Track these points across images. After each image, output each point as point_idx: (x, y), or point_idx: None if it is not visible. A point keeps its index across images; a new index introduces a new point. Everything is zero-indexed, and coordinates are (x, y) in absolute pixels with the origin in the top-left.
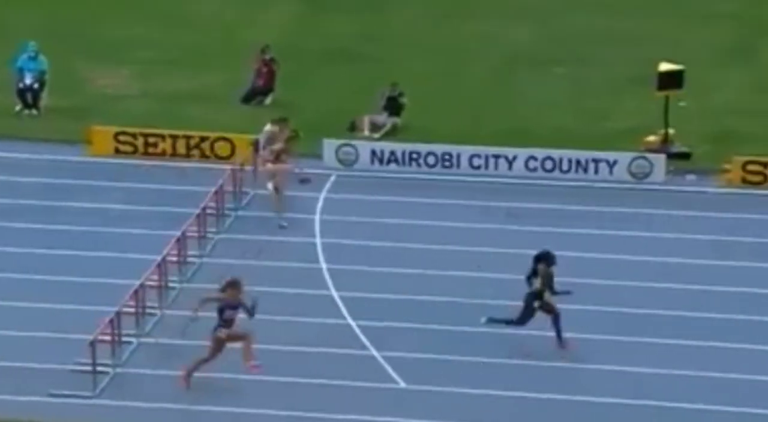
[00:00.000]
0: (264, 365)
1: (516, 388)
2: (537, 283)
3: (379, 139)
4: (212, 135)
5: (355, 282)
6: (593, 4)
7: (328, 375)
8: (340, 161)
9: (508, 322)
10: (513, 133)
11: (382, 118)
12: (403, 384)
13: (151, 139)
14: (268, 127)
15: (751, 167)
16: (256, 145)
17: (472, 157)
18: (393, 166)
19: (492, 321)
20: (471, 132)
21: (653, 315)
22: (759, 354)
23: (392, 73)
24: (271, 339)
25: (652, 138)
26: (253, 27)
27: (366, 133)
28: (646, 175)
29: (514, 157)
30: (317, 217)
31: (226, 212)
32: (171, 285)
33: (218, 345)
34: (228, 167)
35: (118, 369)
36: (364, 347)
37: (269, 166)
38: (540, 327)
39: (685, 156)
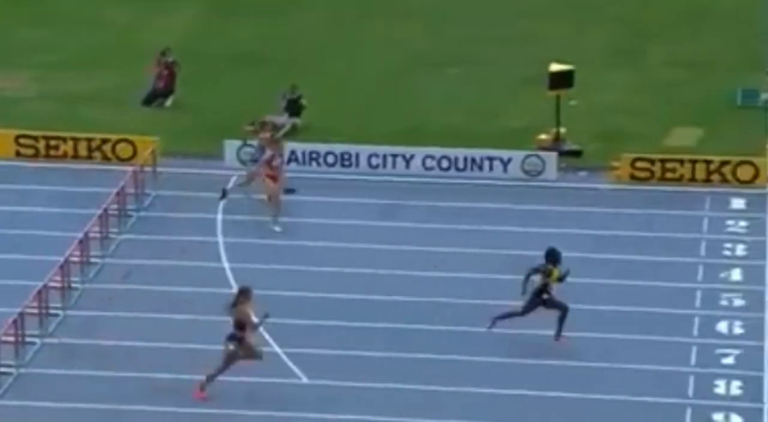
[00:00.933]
0: (170, 364)
1: (417, 381)
2: (538, 279)
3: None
4: (114, 137)
5: (258, 280)
6: (487, 7)
7: (232, 373)
8: (241, 161)
9: (511, 316)
10: (410, 132)
11: (283, 119)
12: (305, 380)
13: (53, 142)
14: (262, 135)
15: (638, 164)
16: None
17: (370, 156)
18: (293, 165)
19: (495, 323)
20: (369, 132)
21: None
22: (650, 345)
23: (292, 75)
24: (176, 338)
25: (544, 136)
26: (155, 30)
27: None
28: (539, 173)
29: (412, 156)
30: (219, 217)
31: (129, 213)
32: (74, 285)
33: (231, 359)
34: (130, 169)
35: (22, 370)
36: (267, 344)
37: (269, 182)
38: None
39: (576, 153)
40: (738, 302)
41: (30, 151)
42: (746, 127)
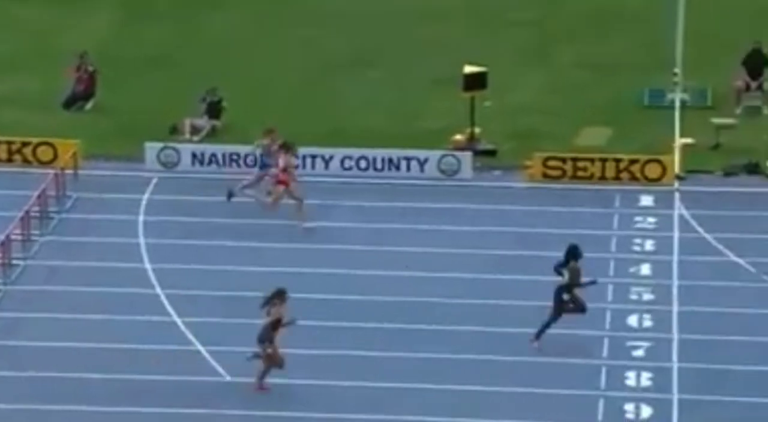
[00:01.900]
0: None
1: (340, 378)
2: (565, 277)
3: (199, 142)
4: (34, 140)
5: (180, 280)
6: (401, 11)
7: (156, 371)
8: (162, 164)
9: (548, 324)
10: (329, 134)
11: (203, 121)
12: (228, 378)
13: None
14: (260, 141)
15: (551, 163)
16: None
17: None
18: (214, 167)
19: (538, 335)
20: (289, 133)
21: (464, 304)
22: (563, 338)
23: (212, 77)
24: (99, 338)
25: (459, 137)
26: (72, 34)
27: (187, 136)
28: (455, 172)
29: (330, 157)
30: (140, 219)
31: (50, 215)
32: None
33: (276, 358)
34: (51, 171)
35: None
36: (190, 342)
37: (279, 187)
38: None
39: (490, 153)
40: (647, 296)
41: None
42: (653, 127)
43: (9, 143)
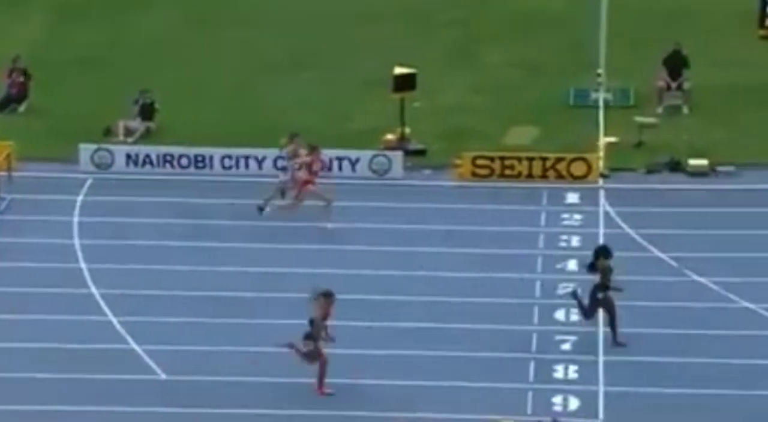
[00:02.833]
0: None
1: (276, 374)
2: (598, 276)
3: (133, 143)
4: None
5: (115, 280)
6: (332, 13)
7: (91, 370)
8: (96, 165)
9: (582, 308)
10: (263, 134)
11: (136, 123)
12: (163, 376)
13: None
14: (288, 148)
15: (479, 162)
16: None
17: (223, 157)
18: (148, 168)
19: (574, 296)
20: (223, 134)
21: (397, 301)
22: (494, 333)
23: (145, 78)
24: (35, 338)
25: (390, 137)
26: (4, 38)
27: (121, 137)
28: (386, 171)
29: (264, 157)
30: (75, 219)
31: None
32: None
33: (317, 355)
34: None
35: None
36: (125, 342)
37: (310, 187)
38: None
39: (420, 153)
40: None
41: None
42: (579, 126)
43: None
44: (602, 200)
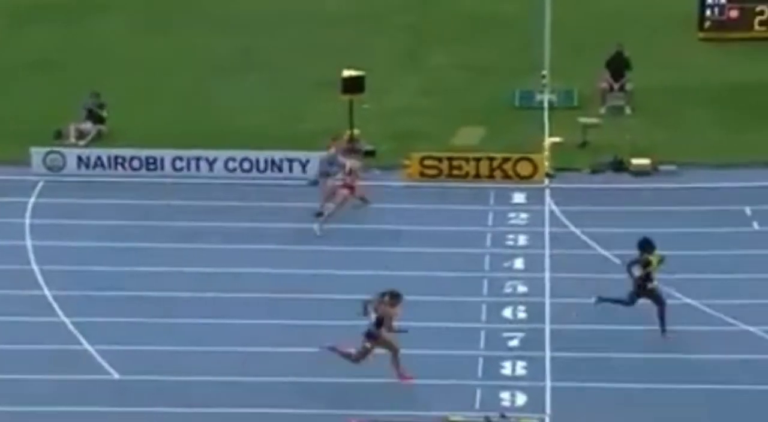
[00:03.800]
0: None
1: (227, 373)
2: (638, 270)
3: (85, 146)
4: None
5: (67, 281)
6: (282, 16)
7: (44, 371)
8: (48, 167)
9: (619, 302)
10: (213, 136)
11: (87, 126)
12: (117, 376)
13: None
14: (330, 151)
15: (427, 162)
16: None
17: (174, 159)
18: (99, 170)
19: (602, 300)
20: (173, 136)
21: (347, 300)
22: (442, 331)
23: (97, 81)
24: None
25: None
26: None
27: (72, 140)
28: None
29: (215, 159)
30: (27, 222)
31: None
32: None
33: (363, 354)
34: None
35: None
36: (78, 342)
37: (345, 191)
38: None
39: (370, 153)
40: (521, 288)
41: None
42: (524, 126)
43: None
44: (548, 199)
